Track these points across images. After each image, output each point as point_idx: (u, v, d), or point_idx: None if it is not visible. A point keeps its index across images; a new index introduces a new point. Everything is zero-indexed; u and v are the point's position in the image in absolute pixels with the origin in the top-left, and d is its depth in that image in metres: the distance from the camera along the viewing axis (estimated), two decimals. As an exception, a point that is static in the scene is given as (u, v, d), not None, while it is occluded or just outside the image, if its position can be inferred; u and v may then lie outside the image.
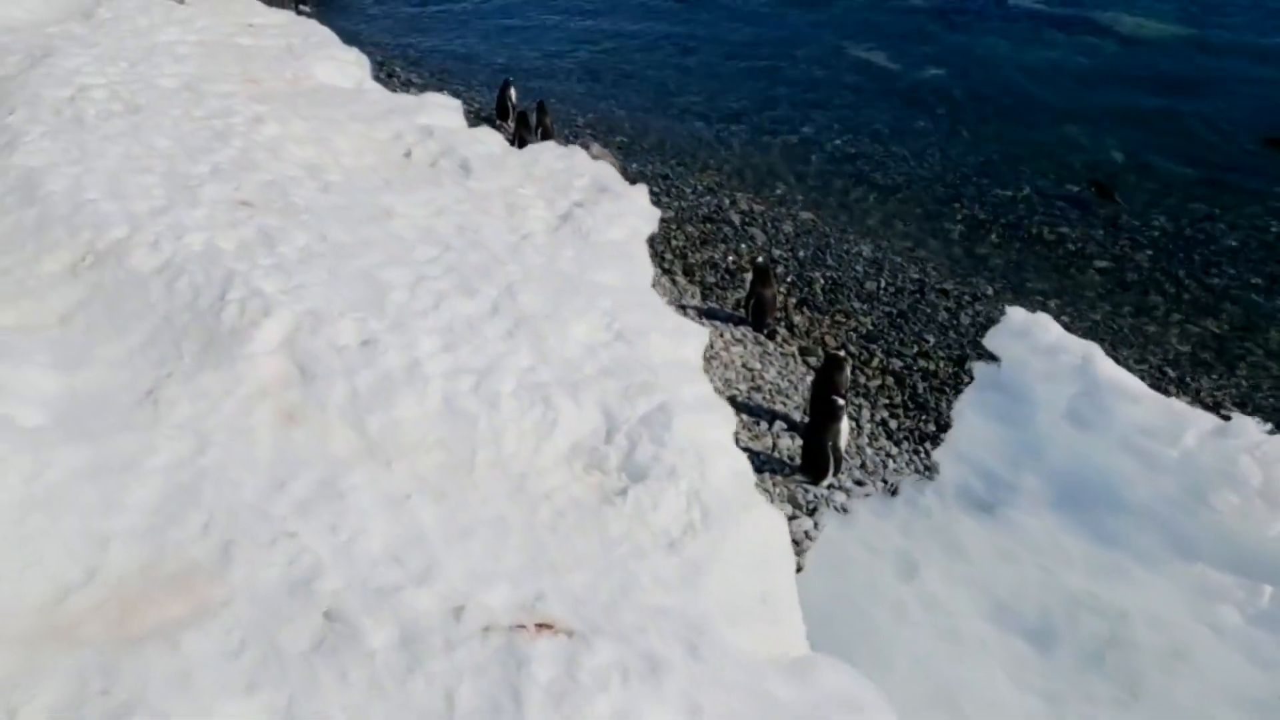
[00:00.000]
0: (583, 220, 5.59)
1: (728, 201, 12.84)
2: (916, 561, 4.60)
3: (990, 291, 11.68)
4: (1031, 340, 4.53)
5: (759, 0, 21.13)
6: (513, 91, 13.51)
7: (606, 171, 6.62)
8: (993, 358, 4.87)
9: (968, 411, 4.78)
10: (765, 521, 3.42)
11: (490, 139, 7.51)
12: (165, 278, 4.57)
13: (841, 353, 9.27)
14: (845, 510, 5.13)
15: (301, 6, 16.60)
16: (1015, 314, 4.79)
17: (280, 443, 3.64)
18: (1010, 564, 4.17)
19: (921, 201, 13.24)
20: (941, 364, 9.98)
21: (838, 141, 14.71)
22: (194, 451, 3.48)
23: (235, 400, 3.81)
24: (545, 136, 13.28)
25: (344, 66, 9.63)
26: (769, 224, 12.38)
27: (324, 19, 17.08)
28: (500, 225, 5.54)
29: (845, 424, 7.49)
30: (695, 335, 4.51)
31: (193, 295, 4.42)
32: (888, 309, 10.97)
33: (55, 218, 5.10)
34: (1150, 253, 12.14)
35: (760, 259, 10.48)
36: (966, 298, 11.42)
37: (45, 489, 3.17)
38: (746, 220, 12.48)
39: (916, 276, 11.77)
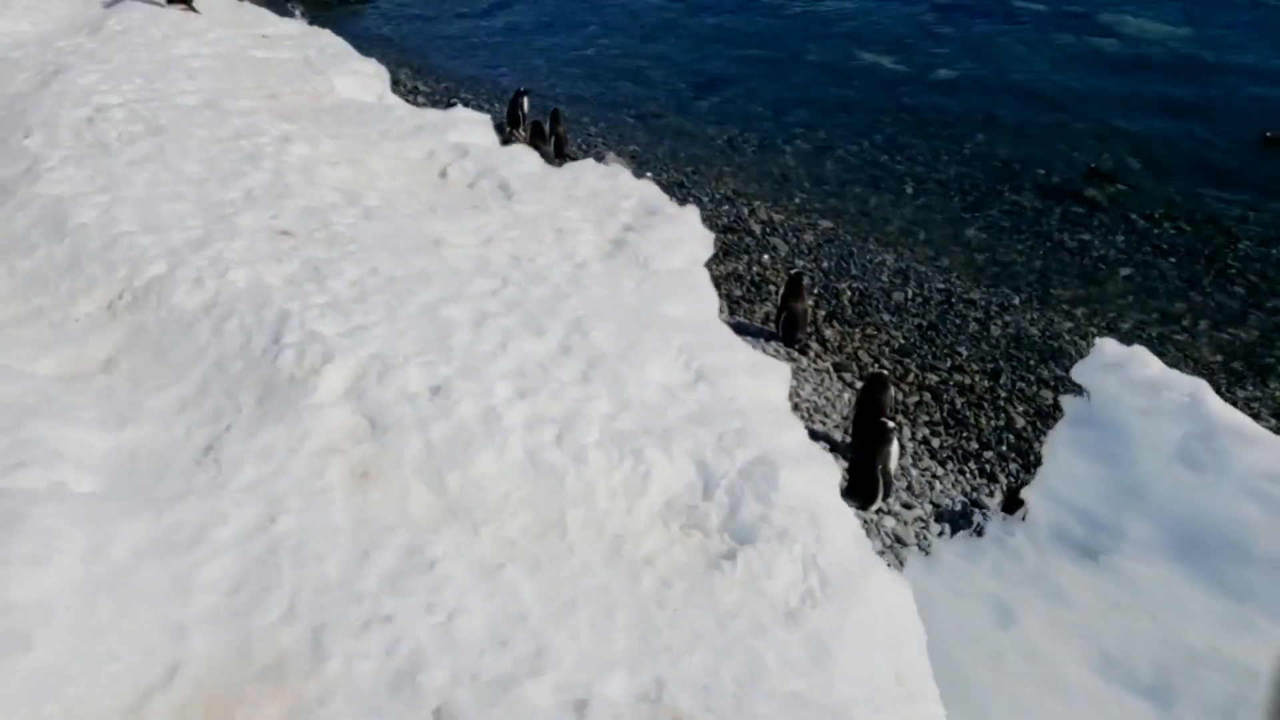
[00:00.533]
0: (638, 247, 5.31)
1: (746, 210, 12.59)
2: (1012, 608, 4.35)
3: (1017, 301, 11.47)
4: (1126, 374, 4.29)
5: (761, 6, 20.95)
6: (526, 102, 13.24)
7: (652, 192, 6.34)
8: (1080, 390, 4.63)
9: (1059, 448, 4.54)
10: (889, 589, 3.16)
11: (527, 158, 7.23)
12: (213, 319, 4.28)
13: (884, 371, 9.01)
14: (927, 552, 4.88)
15: (293, 6, 16.27)
16: (1106, 345, 4.55)
17: (357, 505, 3.35)
18: (1120, 614, 3.93)
19: (940, 208, 13.02)
20: (977, 378, 9.75)
21: (852, 146, 14.50)
22: (266, 519, 3.20)
23: (303, 458, 3.53)
24: (559, 145, 13.00)
25: (365, 80, 9.33)
26: (790, 233, 12.14)
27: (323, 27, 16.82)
28: (553, 252, 5.26)
29: (895, 446, 7.23)
30: (777, 373, 4.25)
31: (245, 339, 4.13)
32: (917, 320, 10.73)
33: (88, 253, 4.80)
34: (1173, 260, 11.95)
35: (795, 270, 10.23)
36: (994, 308, 11.19)
37: (110, 570, 2.88)
38: (767, 230, 12.23)
39: (942, 286, 11.55)
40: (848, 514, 3.31)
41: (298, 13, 15.34)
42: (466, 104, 12.58)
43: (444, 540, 3.23)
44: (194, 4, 10.63)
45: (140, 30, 9.54)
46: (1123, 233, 12.42)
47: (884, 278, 11.53)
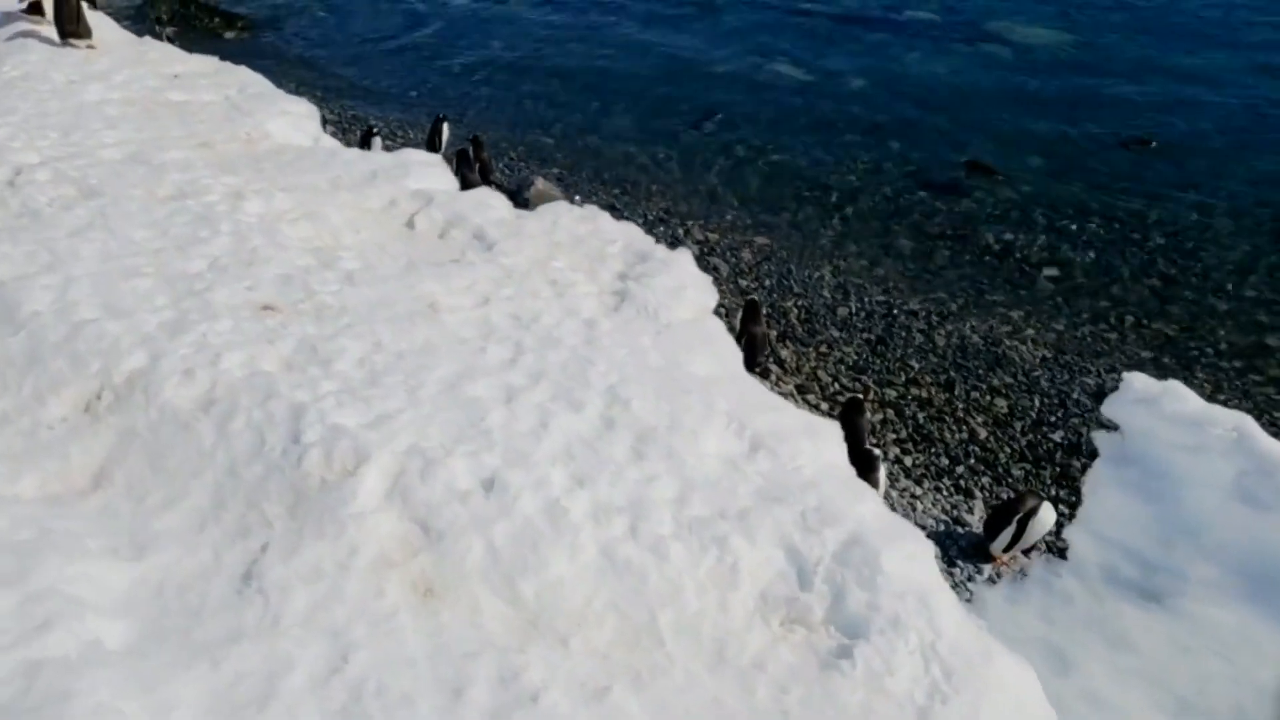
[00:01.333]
0: (643, 298, 5.06)
1: (681, 231, 12.43)
2: (1068, 653, 4.25)
3: (954, 308, 11.57)
4: (1161, 409, 4.25)
5: (660, 15, 20.93)
6: (446, 129, 12.81)
7: (636, 235, 6.10)
8: (1113, 427, 4.57)
9: (1100, 488, 4.47)
10: (1015, 673, 2.99)
11: (494, 201, 6.89)
12: (215, 417, 3.84)
13: (859, 395, 8.94)
14: (970, 598, 4.76)
15: (162, 28, 15.44)
16: (1136, 380, 4.51)
17: (429, 629, 3.01)
18: (1190, 657, 3.86)
19: (866, 216, 13.10)
20: (933, 390, 9.77)
21: (774, 158, 14.52)
22: (337, 659, 2.83)
23: (356, 576, 3.16)
24: (484, 172, 12.61)
25: (297, 121, 8.81)
26: (728, 252, 12.03)
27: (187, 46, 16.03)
28: (554, 309, 4.96)
29: (884, 473, 7.12)
30: (830, 433, 4.06)
31: (257, 438, 3.71)
32: (865, 335, 10.72)
33: (50, 345, 4.28)
34: (1091, 256, 12.24)
35: (751, 296, 10.07)
36: (935, 317, 11.27)
37: (178, 746, 2.48)
38: (705, 250, 12.08)
39: (882, 298, 11.58)
40: (950, 591, 3.13)
41: (166, 35, 14.49)
42: (378, 133, 12.07)
43: (535, 662, 2.92)
44: (92, 40, 9.90)
45: (42, 76, 8.80)
46: (1041, 231, 12.71)
47: (825, 293, 11.51)
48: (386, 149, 12.58)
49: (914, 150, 14.48)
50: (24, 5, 9.92)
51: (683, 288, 5.21)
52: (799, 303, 11.16)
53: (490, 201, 6.90)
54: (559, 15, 20.24)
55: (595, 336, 4.69)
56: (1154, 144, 14.53)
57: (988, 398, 9.61)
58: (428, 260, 5.82)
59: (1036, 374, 10.16)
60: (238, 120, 8.43)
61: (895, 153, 14.50)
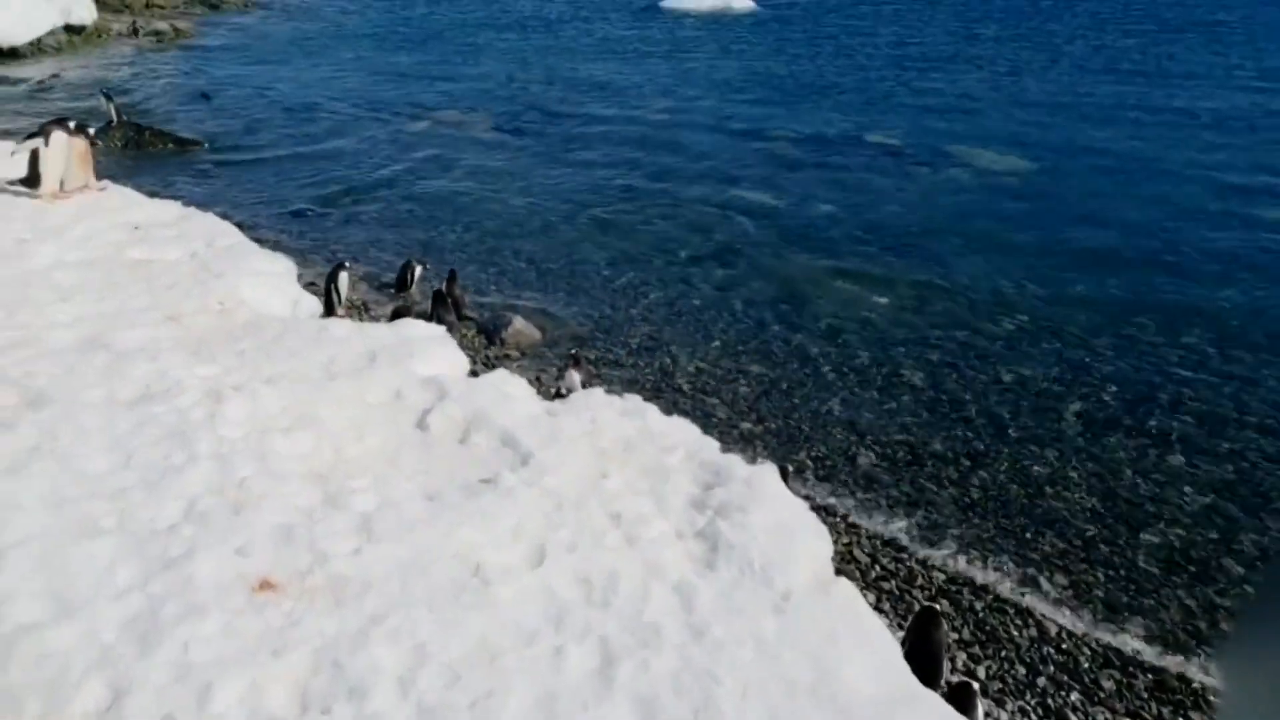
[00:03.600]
0: (741, 547, 4.05)
1: (670, 362, 11.50)
2: None
3: (981, 447, 10.63)
4: None
5: (623, 141, 20.69)
6: (418, 269, 11.90)
7: (691, 435, 5.14)
8: None
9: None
10: None
11: (515, 389, 5.90)
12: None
13: (935, 605, 7.80)
14: None
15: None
16: None
17: None
18: None
19: (863, 343, 12.23)
20: (980, 567, 8.75)
21: (755, 283, 13.84)
22: None
23: None
24: (458, 308, 11.65)
25: (275, 282, 7.81)
26: (722, 386, 11.06)
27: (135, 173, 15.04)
28: (633, 567, 3.93)
29: (981, 713, 6.00)
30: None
31: None
32: (893, 493, 9.73)
33: (-27, 668, 3.14)
34: (1114, 389, 11.35)
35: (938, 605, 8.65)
36: (964, 459, 10.32)
37: None
38: (696, 385, 11.10)
39: (901, 437, 10.65)
40: None
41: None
42: (348, 269, 11.07)
43: None
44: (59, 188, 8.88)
45: (-14, 235, 7.75)
46: (1056, 364, 11.99)
47: (838, 434, 10.56)
48: (354, 285, 11.60)
49: (904, 276, 13.96)
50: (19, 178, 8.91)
51: (786, 530, 4.20)
52: (812, 452, 10.18)
53: (511, 391, 5.90)
54: (517, 150, 19.75)
55: (701, 622, 3.65)
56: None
57: (1047, 572, 8.63)
58: (455, 482, 4.77)
59: (1090, 531, 9.25)
60: (208, 284, 7.40)
61: (881, 278, 13.96)
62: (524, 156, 19.45)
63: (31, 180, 8.88)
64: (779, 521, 4.28)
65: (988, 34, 39.50)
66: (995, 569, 8.64)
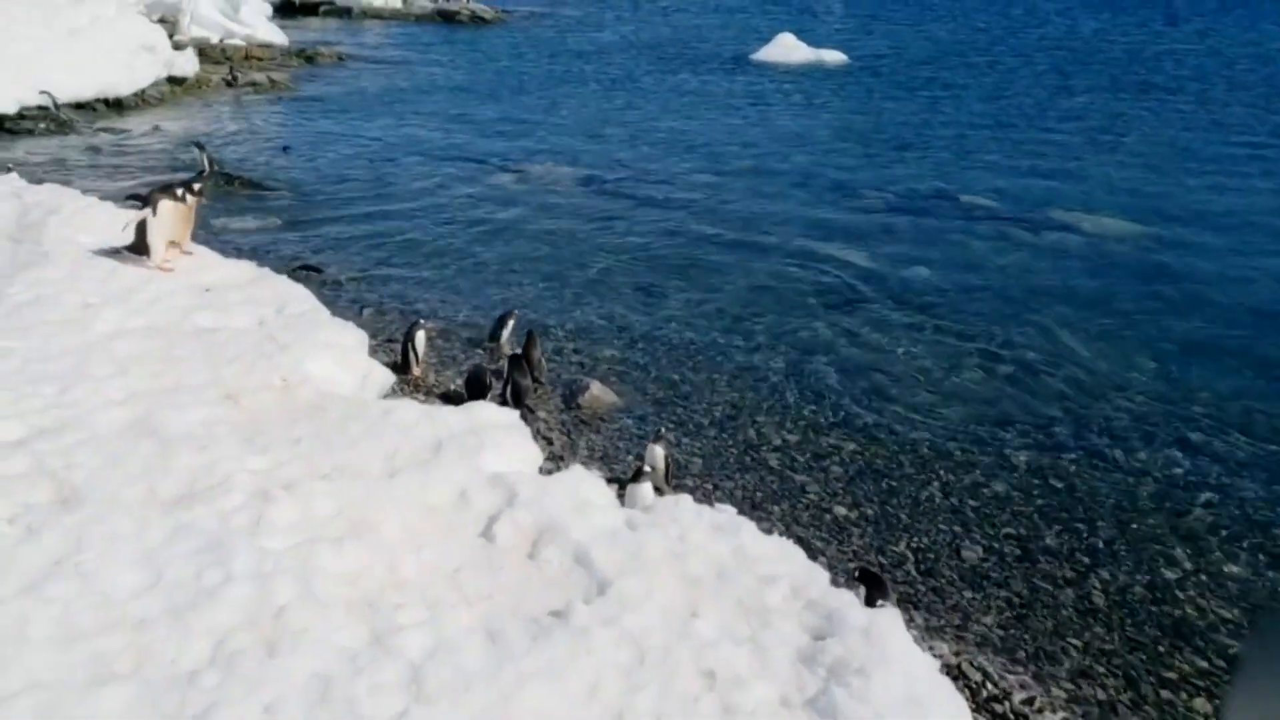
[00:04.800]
0: None
1: (754, 433, 10.68)
2: None
3: (1101, 544, 9.56)
4: None
5: (709, 197, 20.10)
6: (511, 322, 11.45)
7: (798, 563, 4.41)
8: None
9: None
10: None
11: (592, 492, 5.26)
12: None
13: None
14: None
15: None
16: None
17: None
18: None
19: (954, 428, 11.16)
20: (1114, 688, 7.69)
21: (844, 351, 12.92)
22: None
23: None
24: (534, 372, 11.09)
25: (344, 356, 7.37)
26: (813, 463, 10.17)
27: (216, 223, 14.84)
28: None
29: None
30: None
31: None
32: (1003, 594, 8.72)
33: None
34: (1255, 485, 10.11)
35: None
36: (1083, 557, 9.27)
37: None
38: (785, 463, 10.26)
39: (1013, 531, 9.64)
40: None
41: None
42: (424, 326, 10.66)
43: None
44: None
45: (55, 299, 7.47)
46: (1179, 453, 10.85)
47: (941, 523, 9.59)
48: (432, 343, 11.17)
49: (995, 342, 13.01)
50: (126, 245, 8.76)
51: (920, 706, 3.44)
52: (913, 541, 9.27)
53: (588, 494, 5.27)
54: (600, 204, 19.31)
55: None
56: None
57: (1184, 696, 7.56)
58: (521, 613, 4.13)
59: (1234, 649, 8.14)
60: (273, 357, 6.98)
61: (975, 346, 13.00)
62: (606, 211, 19.04)
63: (139, 248, 8.69)
64: (909, 694, 3.52)
65: (1083, 85, 38.23)
66: (1123, 689, 7.63)
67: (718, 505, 5.14)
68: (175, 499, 4.81)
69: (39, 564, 4.07)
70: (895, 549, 8.68)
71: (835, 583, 4.64)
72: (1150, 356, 12.68)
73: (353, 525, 4.76)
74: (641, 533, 4.83)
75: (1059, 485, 9.80)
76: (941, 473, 9.90)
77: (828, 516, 9.01)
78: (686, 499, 5.20)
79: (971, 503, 9.43)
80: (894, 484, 9.68)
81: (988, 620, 7.95)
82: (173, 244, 8.76)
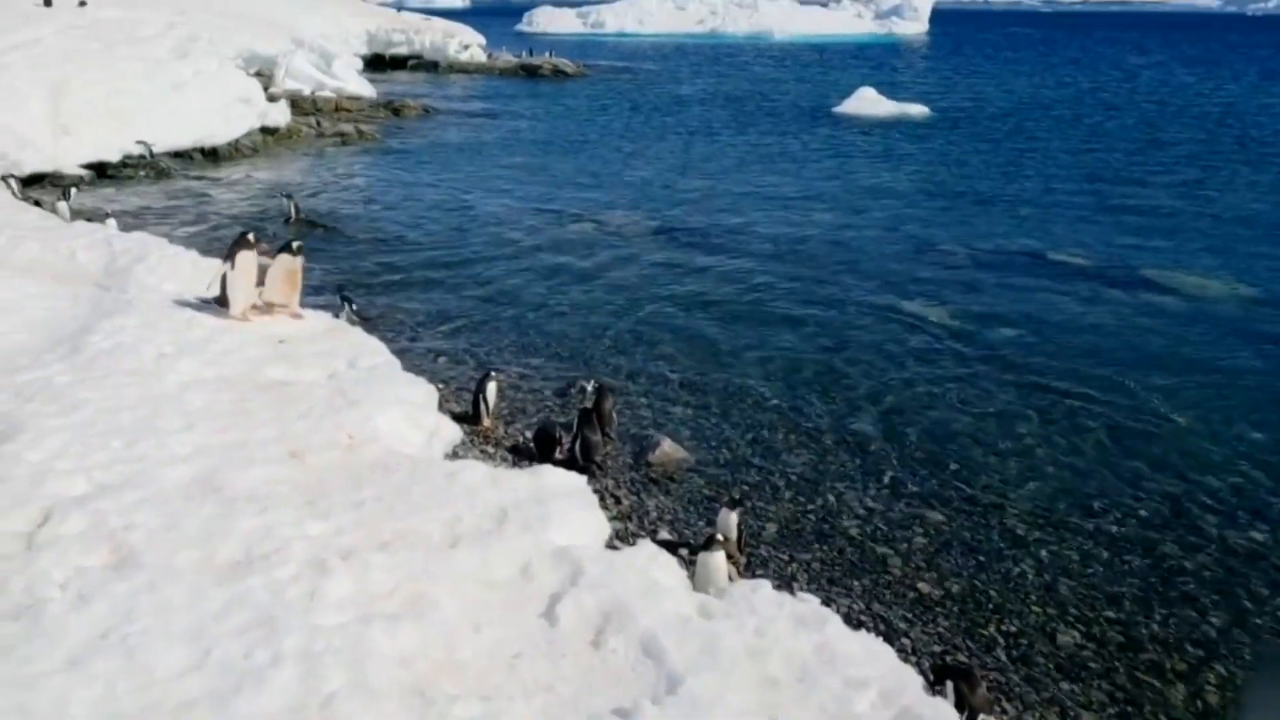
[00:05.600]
0: None
1: (834, 499, 10.15)
2: None
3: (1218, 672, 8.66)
4: None
5: (788, 251, 19.71)
6: (590, 387, 11.24)
7: (887, 662, 3.99)
8: None
9: None
10: None
11: (663, 573, 4.93)
12: None
13: None
14: None
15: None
16: None
17: None
18: None
19: (1051, 498, 10.45)
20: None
21: (931, 413, 12.35)
22: None
23: None
24: (603, 423, 10.78)
25: (412, 414, 7.22)
26: (896, 534, 9.55)
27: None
28: None
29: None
30: None
31: None
32: (1103, 685, 8.02)
33: None
34: None
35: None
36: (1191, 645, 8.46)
37: None
38: (866, 533, 9.69)
39: (1110, 614, 8.90)
40: None
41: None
42: (495, 378, 10.51)
43: None
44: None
45: (132, 348, 7.49)
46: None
47: (1034, 604, 8.89)
48: (503, 394, 10.99)
49: (1091, 407, 12.28)
50: (212, 295, 8.86)
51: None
52: (1002, 625, 8.64)
53: (658, 576, 4.94)
54: (677, 257, 19.08)
55: None
56: None
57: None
58: (582, 711, 3.81)
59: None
60: (342, 413, 6.85)
61: (1069, 411, 12.30)
62: (683, 263, 18.83)
63: (223, 301, 8.78)
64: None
65: (1174, 140, 37.07)
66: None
67: (800, 594, 4.76)
68: (231, 565, 4.64)
69: (86, 635, 3.91)
70: (984, 631, 8.10)
71: (921, 669, 4.20)
72: (1255, 425, 11.85)
73: (410, 600, 4.52)
74: (716, 623, 4.48)
75: (1163, 565, 9.10)
76: (1033, 548, 9.28)
77: (911, 594, 8.48)
78: (766, 586, 4.84)
79: (1067, 581, 8.79)
80: (982, 559, 9.10)
81: (1088, 718, 7.32)
82: (281, 306, 8.66)
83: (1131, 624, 8.26)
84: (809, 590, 8.21)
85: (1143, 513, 10.03)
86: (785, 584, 8.38)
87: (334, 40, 41.86)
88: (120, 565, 4.50)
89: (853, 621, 7.18)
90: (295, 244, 8.43)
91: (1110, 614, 8.37)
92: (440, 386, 9.31)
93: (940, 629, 8.01)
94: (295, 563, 4.67)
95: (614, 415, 10.84)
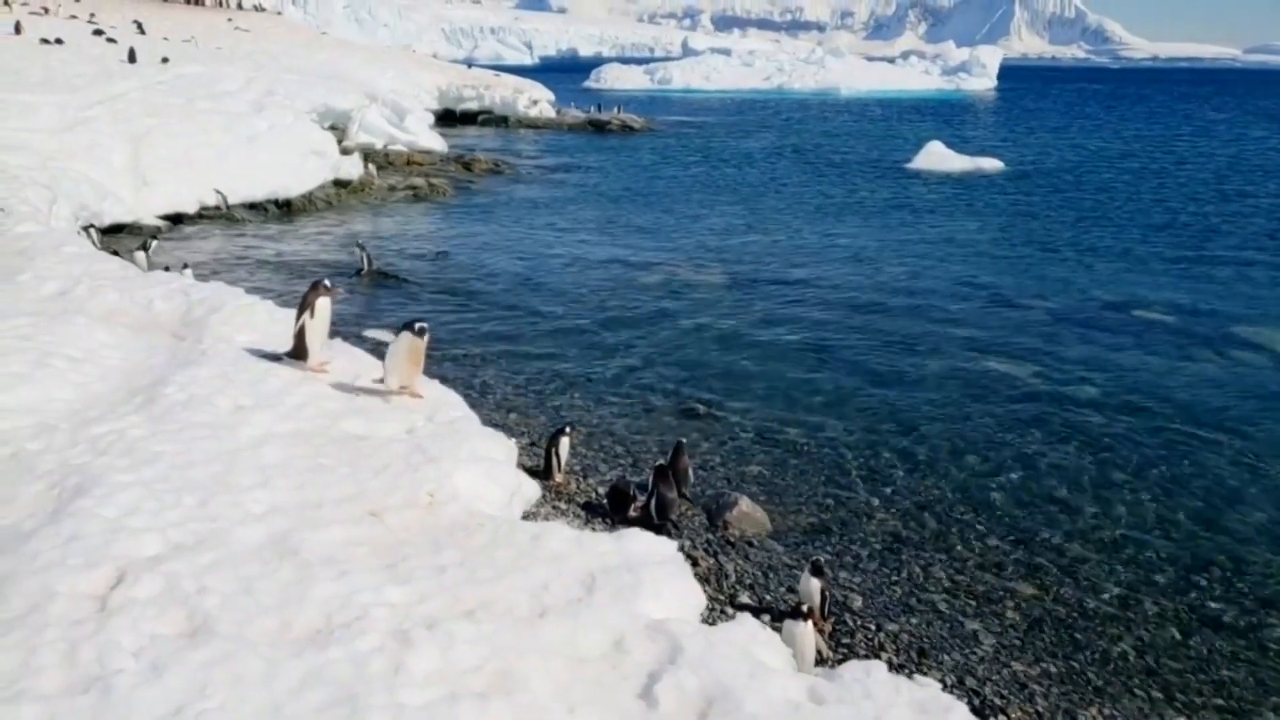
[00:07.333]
0: None
1: (919, 570, 9.54)
2: None
3: None
4: None
5: (861, 305, 19.24)
6: (684, 455, 10.84)
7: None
8: None
9: None
10: None
11: (765, 651, 4.52)
12: None
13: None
14: None
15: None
16: None
17: None
18: None
19: (1149, 571, 9.68)
20: None
21: (1013, 474, 11.73)
22: None
23: None
24: (680, 480, 10.36)
25: (493, 470, 6.92)
26: (985, 608, 8.93)
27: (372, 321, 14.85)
28: None
29: None
30: None
31: None
32: None
33: None
34: None
35: None
36: None
37: None
38: (955, 606, 9.05)
39: (1219, 700, 8.16)
40: None
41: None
42: (568, 434, 10.24)
43: None
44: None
45: (207, 400, 7.33)
46: None
47: (1137, 687, 8.14)
48: (576, 451, 10.66)
49: (1185, 474, 11.53)
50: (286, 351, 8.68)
51: None
52: (1104, 709, 7.90)
53: (762, 655, 4.53)
54: (749, 311, 18.71)
55: None
56: None
57: None
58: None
59: None
60: (420, 469, 6.58)
61: (1163, 477, 11.55)
62: (753, 317, 18.47)
63: (298, 353, 8.53)
64: None
65: (1253, 194, 35.88)
66: None
67: (918, 678, 4.31)
68: (309, 635, 4.34)
69: (159, 713, 3.62)
70: (1085, 714, 7.48)
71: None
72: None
73: (498, 677, 4.17)
74: (829, 709, 4.05)
75: (1274, 649, 8.37)
76: (1133, 626, 8.62)
77: (1005, 671, 7.89)
78: (880, 668, 4.39)
79: (1171, 664, 8.11)
80: (1079, 636, 8.47)
81: None
82: (404, 388, 8.24)
83: (1244, 713, 7.58)
84: (898, 661, 7.68)
85: (1244, 588, 9.31)
86: (874, 654, 7.86)
87: (406, 95, 42.78)
88: (194, 633, 4.23)
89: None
90: (419, 325, 7.99)
91: (1219, 701, 7.70)
92: (516, 442, 9.03)
93: (1038, 708, 7.42)
94: (377, 633, 4.36)
95: (690, 473, 10.45)
